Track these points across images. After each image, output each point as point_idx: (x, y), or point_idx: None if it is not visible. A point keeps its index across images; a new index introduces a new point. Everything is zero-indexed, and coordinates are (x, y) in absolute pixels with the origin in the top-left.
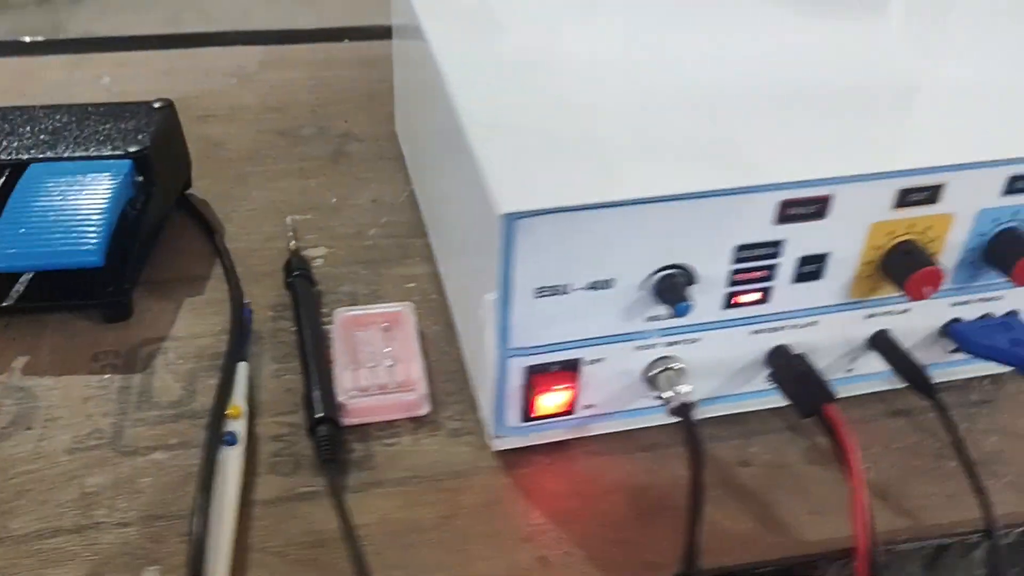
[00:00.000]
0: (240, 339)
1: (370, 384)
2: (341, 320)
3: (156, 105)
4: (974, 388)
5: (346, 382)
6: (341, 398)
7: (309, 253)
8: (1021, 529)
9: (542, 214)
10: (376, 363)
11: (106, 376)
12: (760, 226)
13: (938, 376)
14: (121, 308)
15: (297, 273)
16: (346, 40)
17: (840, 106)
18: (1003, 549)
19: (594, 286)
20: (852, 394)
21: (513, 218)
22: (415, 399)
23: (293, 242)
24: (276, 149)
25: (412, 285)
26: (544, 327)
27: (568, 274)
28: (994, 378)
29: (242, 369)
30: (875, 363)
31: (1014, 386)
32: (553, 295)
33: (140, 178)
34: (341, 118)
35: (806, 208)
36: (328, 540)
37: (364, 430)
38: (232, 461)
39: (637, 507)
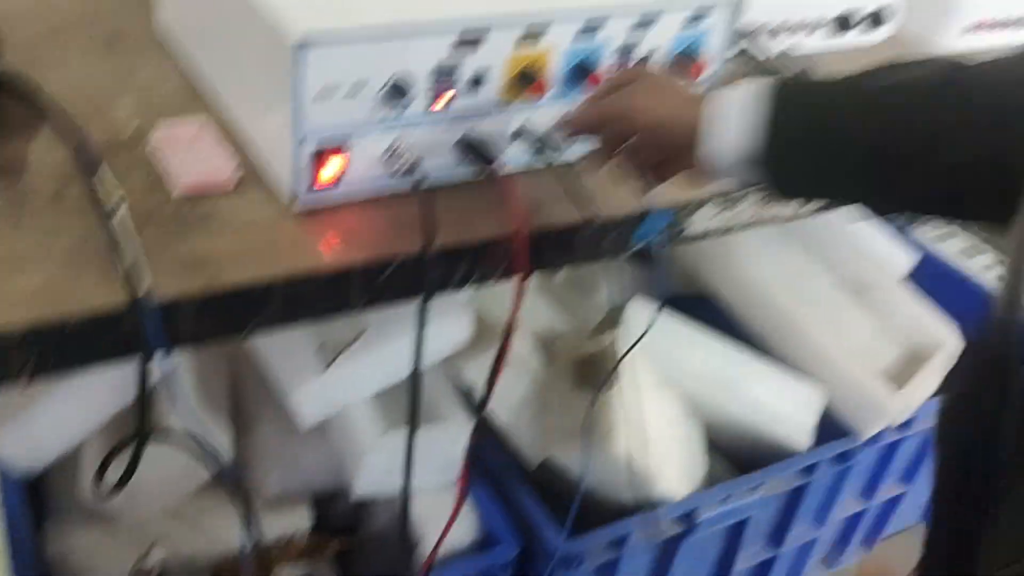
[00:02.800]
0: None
1: None
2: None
3: None
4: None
5: None
6: None
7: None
8: None
9: (326, 42)
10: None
11: None
12: (443, 52)
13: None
14: None
15: None
16: None
17: None
18: None
19: (350, 92)
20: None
21: (304, 48)
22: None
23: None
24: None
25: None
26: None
27: (336, 83)
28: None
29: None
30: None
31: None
32: (327, 99)
33: None
34: (108, 15)
35: (472, 40)
36: None
37: None
38: None
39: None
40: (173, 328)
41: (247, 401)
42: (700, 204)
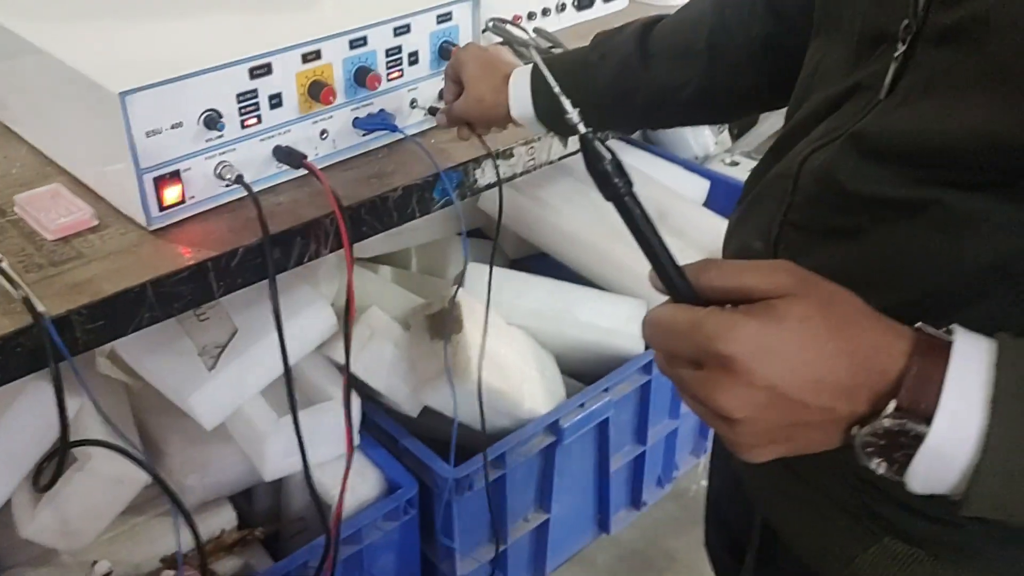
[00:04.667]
0: None
1: None
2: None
3: None
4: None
5: None
6: None
7: None
8: None
9: (141, 89)
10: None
11: None
12: (242, 82)
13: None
14: None
15: None
16: None
17: (264, 29)
18: None
19: (173, 126)
20: (330, 163)
21: (126, 94)
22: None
23: None
24: None
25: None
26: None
27: (159, 121)
28: (389, 146)
29: None
30: (331, 145)
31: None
32: (155, 135)
33: None
34: None
35: (262, 69)
36: None
37: None
38: None
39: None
40: (71, 338)
41: (151, 427)
42: (478, 162)
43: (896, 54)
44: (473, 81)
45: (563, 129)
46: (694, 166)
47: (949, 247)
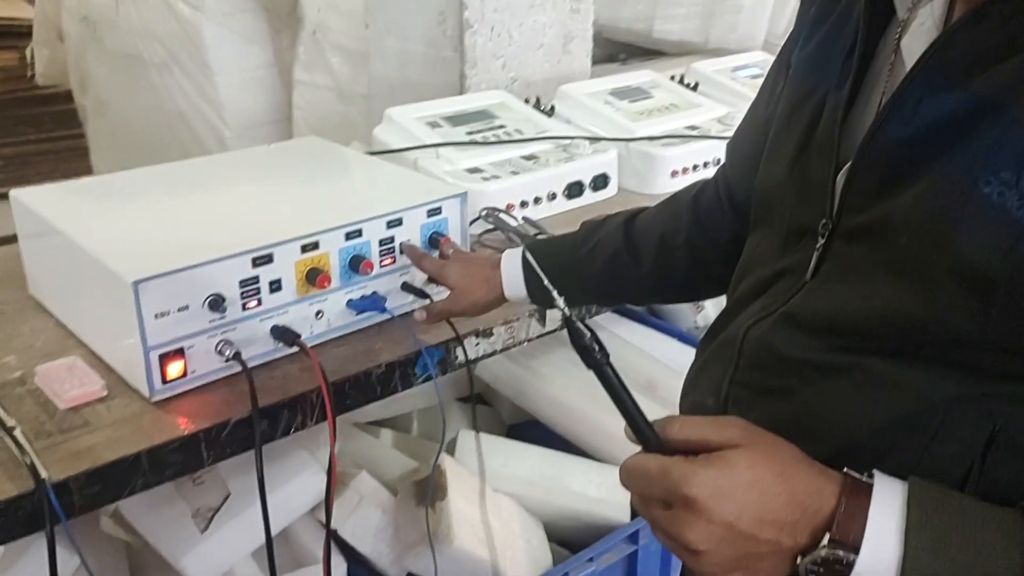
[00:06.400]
0: None
1: None
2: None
3: None
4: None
5: None
6: None
7: None
8: None
9: (153, 278)
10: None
11: None
12: (245, 269)
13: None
14: None
15: None
16: None
17: (270, 221)
18: None
19: (180, 309)
20: (324, 340)
21: (139, 282)
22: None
23: None
24: None
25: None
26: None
27: (167, 305)
28: (379, 325)
29: None
30: (326, 324)
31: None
32: (163, 317)
33: None
34: None
35: (264, 259)
36: None
37: None
38: None
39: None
40: (69, 502)
41: None
42: (460, 340)
43: (817, 246)
44: (464, 286)
45: (549, 304)
46: (689, 337)
47: (864, 405)
